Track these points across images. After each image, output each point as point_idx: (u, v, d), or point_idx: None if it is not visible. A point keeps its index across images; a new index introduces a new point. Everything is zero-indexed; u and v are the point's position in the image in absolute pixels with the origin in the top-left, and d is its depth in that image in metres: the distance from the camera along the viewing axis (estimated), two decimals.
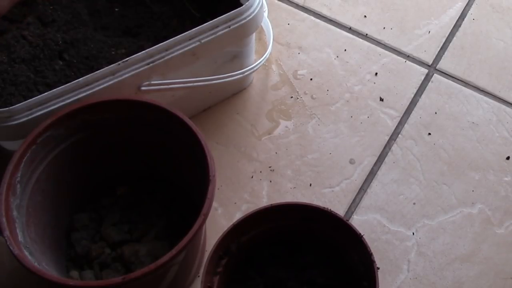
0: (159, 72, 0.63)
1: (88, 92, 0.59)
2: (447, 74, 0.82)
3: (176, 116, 0.57)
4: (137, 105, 0.58)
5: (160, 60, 0.62)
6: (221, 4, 0.69)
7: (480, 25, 0.86)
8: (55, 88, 0.58)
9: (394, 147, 0.75)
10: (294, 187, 0.71)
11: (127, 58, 0.61)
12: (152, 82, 0.63)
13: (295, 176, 0.72)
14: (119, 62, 0.60)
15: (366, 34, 0.85)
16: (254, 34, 0.71)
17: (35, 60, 0.63)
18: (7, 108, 0.56)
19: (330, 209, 0.57)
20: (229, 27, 0.64)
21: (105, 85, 0.60)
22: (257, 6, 0.66)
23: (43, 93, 0.58)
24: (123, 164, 0.65)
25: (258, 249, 0.60)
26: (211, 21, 0.63)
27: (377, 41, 0.84)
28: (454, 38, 0.85)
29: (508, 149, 0.75)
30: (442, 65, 0.82)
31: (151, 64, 0.62)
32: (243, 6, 0.65)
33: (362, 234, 0.56)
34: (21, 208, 0.53)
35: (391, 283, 0.66)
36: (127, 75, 0.61)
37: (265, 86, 0.80)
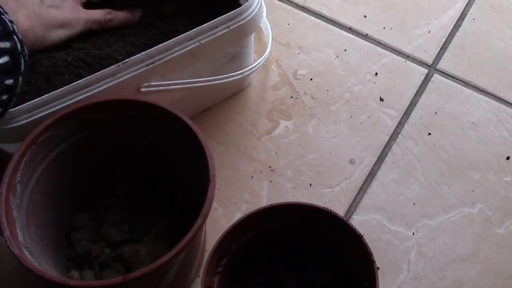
0: (158, 73, 0.63)
1: (88, 94, 0.59)
2: (447, 74, 0.82)
3: (176, 116, 0.57)
4: (137, 105, 0.58)
5: (160, 61, 0.62)
6: (219, 4, 0.69)
7: (480, 25, 0.86)
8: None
9: (394, 147, 0.75)
10: (294, 187, 0.72)
11: (126, 60, 0.61)
12: (152, 83, 0.63)
13: (295, 176, 0.72)
14: (119, 63, 0.60)
15: (366, 34, 0.85)
16: (253, 34, 0.71)
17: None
18: None
19: (330, 209, 0.57)
20: (229, 27, 0.64)
21: (105, 86, 0.60)
22: (256, 6, 0.66)
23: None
24: (123, 164, 0.65)
25: (258, 249, 0.60)
26: (210, 22, 0.63)
27: (377, 41, 0.84)
28: (454, 38, 0.85)
29: (508, 149, 0.75)
30: (442, 65, 0.82)
31: (150, 65, 0.62)
32: (243, 6, 0.65)
33: (362, 234, 0.56)
34: (21, 208, 0.53)
35: (391, 283, 0.66)
36: (127, 76, 0.61)
37: (265, 86, 0.80)
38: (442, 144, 0.75)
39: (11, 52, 0.50)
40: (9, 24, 0.50)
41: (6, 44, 0.49)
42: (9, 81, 0.50)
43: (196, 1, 0.72)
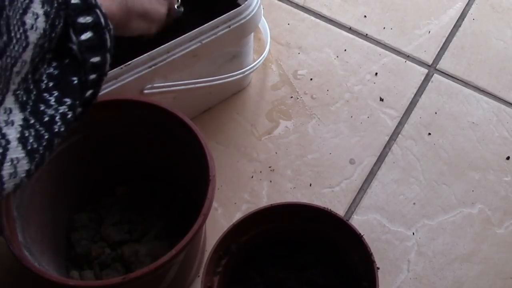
0: (161, 75, 0.63)
1: None
2: (447, 74, 0.82)
3: (176, 116, 0.57)
4: (137, 105, 0.58)
5: (162, 63, 0.62)
6: (218, 5, 0.69)
7: (480, 25, 0.86)
8: None
9: (394, 147, 0.75)
10: (294, 187, 0.71)
11: (129, 62, 0.60)
12: (155, 85, 0.63)
13: (295, 176, 0.72)
14: (122, 66, 0.60)
15: (366, 34, 0.85)
16: (252, 34, 0.71)
17: None
18: None
19: (330, 209, 0.57)
20: (229, 27, 0.64)
21: (108, 89, 0.59)
22: (256, 5, 0.66)
23: None
24: (123, 164, 0.65)
25: (258, 249, 0.60)
26: (211, 22, 0.63)
27: (377, 41, 0.84)
28: (454, 38, 0.85)
29: (508, 149, 0.75)
30: (442, 65, 0.82)
31: (153, 67, 0.61)
32: (243, 5, 0.65)
33: (362, 234, 0.56)
34: (21, 208, 0.53)
35: (391, 283, 0.66)
36: (130, 79, 0.61)
37: (265, 86, 0.80)
38: (442, 144, 0.75)
39: (94, 26, 0.45)
40: None
41: (87, 19, 0.45)
42: (96, 59, 0.46)
43: (193, 2, 0.72)
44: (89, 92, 0.46)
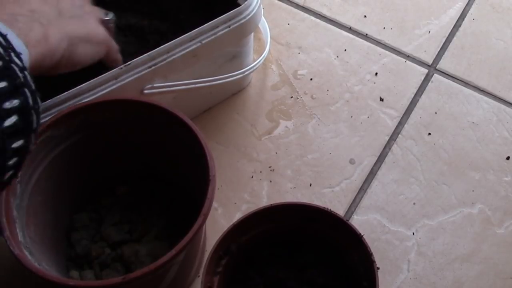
0: (161, 75, 0.63)
1: (91, 98, 0.59)
2: (447, 74, 0.82)
3: (176, 116, 0.57)
4: (137, 105, 0.58)
5: (163, 63, 0.62)
6: (218, 5, 0.69)
7: (480, 25, 0.86)
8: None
9: (394, 147, 0.75)
10: (294, 187, 0.71)
11: (129, 62, 0.60)
12: (155, 85, 0.63)
13: (295, 176, 0.72)
14: (122, 66, 0.60)
15: (366, 34, 0.85)
16: (252, 34, 0.71)
17: None
18: None
19: (330, 209, 0.57)
20: (229, 27, 0.64)
21: (108, 89, 0.59)
22: (256, 5, 0.66)
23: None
24: (123, 164, 0.65)
25: (258, 249, 0.60)
26: (211, 21, 0.63)
27: (377, 41, 0.84)
28: (454, 38, 0.85)
29: (508, 149, 0.75)
30: (442, 65, 0.82)
31: (153, 67, 0.61)
32: (243, 5, 0.65)
33: (362, 234, 0.56)
34: (21, 208, 0.53)
35: (391, 283, 0.66)
36: (130, 79, 0.60)
37: (265, 86, 0.80)
38: (442, 144, 0.75)
39: (21, 109, 0.42)
40: (19, 75, 0.42)
41: (14, 103, 0.41)
42: (18, 143, 0.43)
43: (193, 2, 0.72)
44: (9, 174, 0.44)
